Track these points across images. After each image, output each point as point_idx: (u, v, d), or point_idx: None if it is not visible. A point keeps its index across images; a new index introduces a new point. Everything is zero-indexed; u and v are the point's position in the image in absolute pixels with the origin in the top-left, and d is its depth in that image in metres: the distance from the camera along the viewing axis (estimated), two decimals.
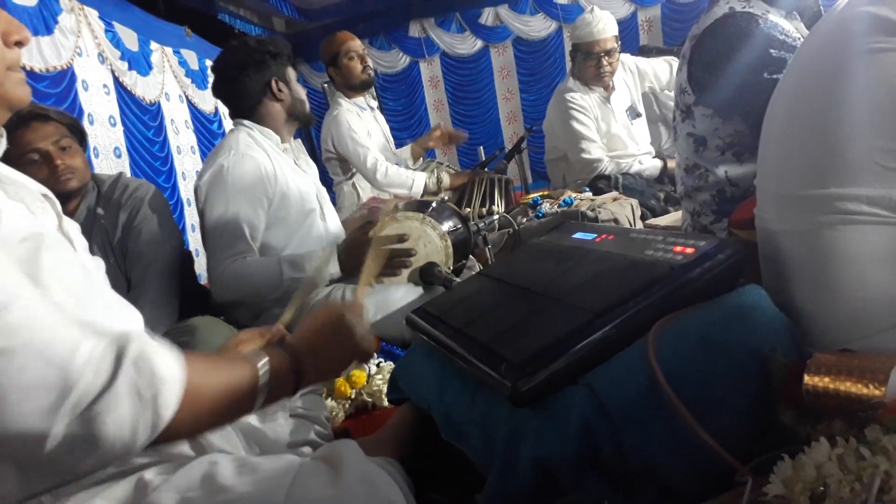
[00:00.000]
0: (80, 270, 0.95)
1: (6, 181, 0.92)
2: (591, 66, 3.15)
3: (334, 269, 1.92)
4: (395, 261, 1.89)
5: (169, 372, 0.74)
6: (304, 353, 0.93)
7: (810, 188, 0.95)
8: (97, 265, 1.06)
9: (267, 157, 2.00)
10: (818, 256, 0.94)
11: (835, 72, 0.95)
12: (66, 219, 1.00)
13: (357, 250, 1.90)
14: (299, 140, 2.26)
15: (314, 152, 5.71)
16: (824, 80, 0.98)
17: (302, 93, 2.16)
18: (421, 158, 3.57)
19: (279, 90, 2.07)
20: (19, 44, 0.87)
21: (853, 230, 0.90)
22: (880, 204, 0.88)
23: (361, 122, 3.24)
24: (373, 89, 3.53)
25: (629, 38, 6.79)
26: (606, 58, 3.13)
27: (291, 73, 2.14)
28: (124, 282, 1.97)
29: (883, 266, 0.89)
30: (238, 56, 2.08)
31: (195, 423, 0.78)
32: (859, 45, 0.92)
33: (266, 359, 0.87)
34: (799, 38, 1.63)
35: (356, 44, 3.26)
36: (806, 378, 0.78)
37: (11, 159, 0.96)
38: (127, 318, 1.01)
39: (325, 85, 7.41)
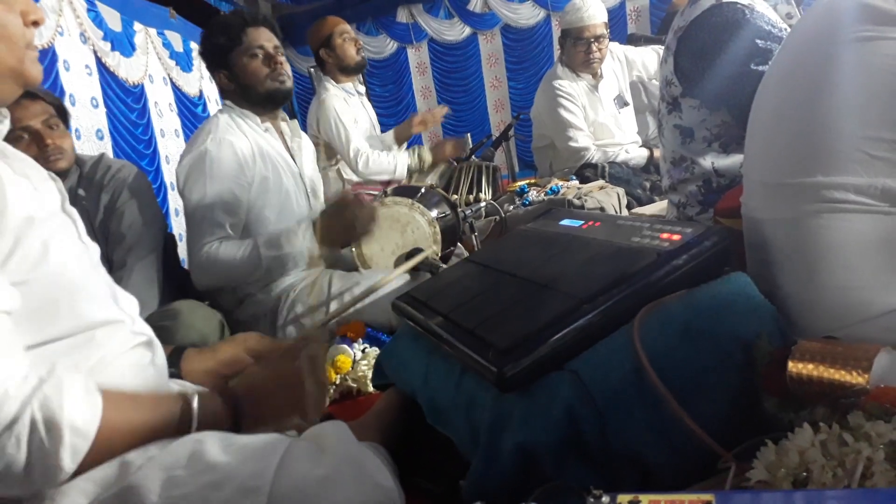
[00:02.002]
0: (79, 251, 0.95)
1: (12, 157, 0.92)
2: (580, 51, 3.14)
3: (312, 243, 1.88)
4: (359, 224, 1.84)
5: (79, 422, 0.74)
6: (245, 403, 0.94)
7: (796, 176, 0.95)
8: (95, 249, 1.05)
9: (247, 139, 1.97)
10: (803, 245, 0.95)
11: (822, 60, 0.95)
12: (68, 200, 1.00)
13: (334, 221, 1.85)
14: (296, 121, 2.22)
15: None
16: (812, 68, 0.98)
17: (251, 75, 1.97)
18: (405, 145, 3.56)
19: (227, 80, 2.00)
20: (35, 23, 0.88)
21: (839, 218, 0.90)
22: (866, 193, 0.88)
23: (348, 108, 3.22)
24: (360, 75, 3.51)
25: (617, 27, 6.77)
26: (595, 44, 3.12)
27: (238, 55, 1.96)
28: (106, 265, 1.94)
29: (868, 255, 0.90)
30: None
31: (109, 458, 0.78)
32: (847, 33, 0.92)
33: (196, 407, 0.88)
34: (786, 29, 1.63)
35: (348, 27, 3.26)
36: (790, 365, 0.78)
37: None
38: (122, 303, 1.01)
39: (312, 69, 7.33)
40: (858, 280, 0.90)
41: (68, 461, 0.73)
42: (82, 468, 0.75)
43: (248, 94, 2.00)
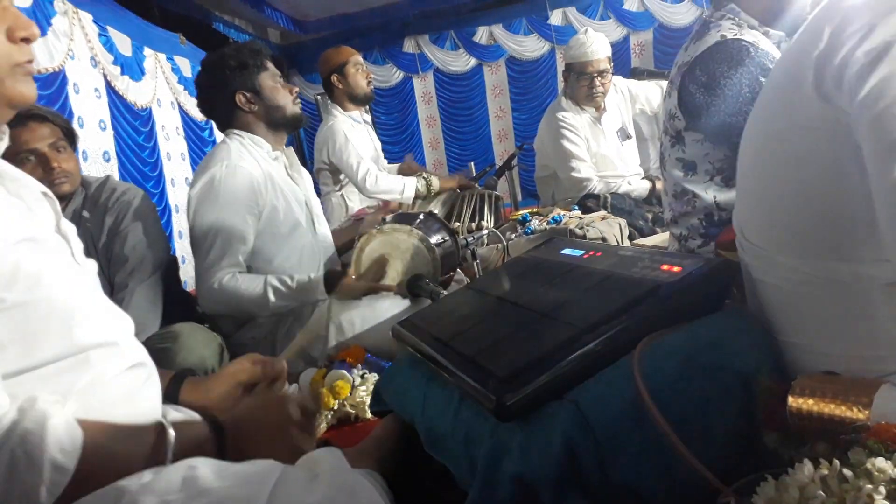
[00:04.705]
0: (73, 272, 0.94)
1: (7, 177, 0.92)
2: (583, 85, 3.18)
3: (322, 295, 1.93)
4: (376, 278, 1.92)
5: (60, 457, 0.73)
6: (229, 434, 0.94)
7: (787, 256, 0.93)
8: (91, 268, 1.05)
9: (258, 166, 1.99)
10: (800, 309, 0.93)
11: (777, 157, 0.93)
12: (63, 219, 0.99)
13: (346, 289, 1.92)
14: (291, 148, 2.25)
15: (304, 164, 5.69)
16: (776, 162, 0.94)
17: (280, 97, 2.07)
18: None
19: (248, 102, 2.03)
20: (26, 40, 0.84)
21: (831, 285, 0.89)
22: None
23: (355, 134, 3.26)
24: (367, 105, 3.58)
25: (621, 62, 6.86)
26: (599, 78, 3.16)
27: (266, 78, 2.05)
28: (108, 286, 1.94)
29: (863, 319, 0.88)
30: (203, 75, 2.10)
31: (84, 487, 0.76)
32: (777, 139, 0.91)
33: (172, 439, 0.87)
34: None
35: (362, 59, 3.38)
36: (790, 400, 0.78)
37: (5, 158, 0.95)
38: (117, 324, 1.00)
39: (318, 97, 7.41)
40: (857, 345, 0.88)
41: (46, 496, 0.72)
42: (58, 499, 0.74)
43: (273, 115, 2.05)
